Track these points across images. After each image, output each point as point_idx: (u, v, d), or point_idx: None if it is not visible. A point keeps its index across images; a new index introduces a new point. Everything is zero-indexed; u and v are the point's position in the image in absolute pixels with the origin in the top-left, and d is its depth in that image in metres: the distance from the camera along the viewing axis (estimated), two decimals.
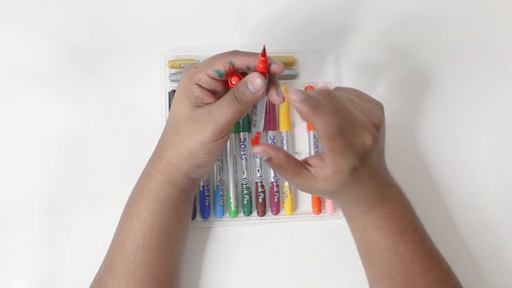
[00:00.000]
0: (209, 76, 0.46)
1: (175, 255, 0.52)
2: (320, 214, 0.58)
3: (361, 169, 0.45)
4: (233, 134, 0.58)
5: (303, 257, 0.58)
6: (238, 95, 0.45)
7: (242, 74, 0.46)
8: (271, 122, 0.59)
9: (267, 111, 0.59)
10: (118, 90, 0.60)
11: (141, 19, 0.63)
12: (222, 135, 0.46)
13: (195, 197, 0.57)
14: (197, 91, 0.46)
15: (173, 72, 0.59)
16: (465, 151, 0.62)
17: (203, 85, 0.46)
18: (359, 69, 0.63)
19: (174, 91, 0.59)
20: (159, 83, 0.59)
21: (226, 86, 0.48)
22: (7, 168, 0.58)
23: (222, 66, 0.45)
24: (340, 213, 0.58)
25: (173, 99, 0.49)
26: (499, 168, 0.62)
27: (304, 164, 0.46)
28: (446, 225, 0.60)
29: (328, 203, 0.58)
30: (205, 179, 0.57)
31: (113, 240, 0.50)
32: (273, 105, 0.60)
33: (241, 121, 0.58)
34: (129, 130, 0.60)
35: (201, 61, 0.48)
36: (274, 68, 0.44)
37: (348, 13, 0.64)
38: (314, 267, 0.57)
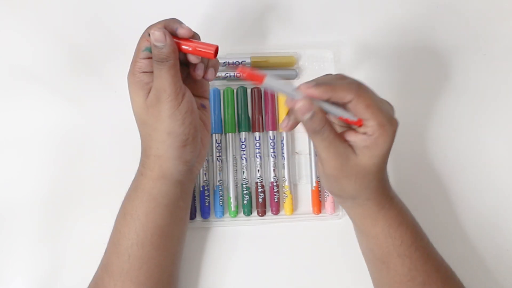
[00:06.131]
0: (144, 58, 0.48)
1: (172, 255, 0.52)
2: (320, 214, 0.58)
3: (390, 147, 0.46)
4: (233, 134, 0.58)
5: (303, 257, 0.58)
6: (156, 57, 0.46)
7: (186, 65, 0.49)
8: (271, 122, 0.59)
9: (267, 112, 0.59)
10: (118, 90, 0.60)
11: (141, 19, 0.62)
12: (180, 96, 0.47)
13: (194, 197, 0.57)
14: (145, 77, 0.48)
15: None
16: (464, 151, 0.62)
17: (146, 69, 0.48)
18: (358, 70, 0.63)
19: None
20: None
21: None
22: (7, 168, 0.58)
23: (146, 43, 0.47)
24: (340, 213, 0.58)
25: (130, 98, 0.49)
26: (499, 168, 0.61)
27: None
28: (454, 224, 0.59)
29: (328, 203, 0.58)
30: (204, 172, 0.57)
31: (109, 239, 0.51)
32: (273, 105, 0.60)
33: (241, 121, 0.59)
34: (129, 130, 0.59)
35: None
36: (181, 32, 0.47)
37: (348, 14, 0.64)
38: (314, 267, 0.57)
